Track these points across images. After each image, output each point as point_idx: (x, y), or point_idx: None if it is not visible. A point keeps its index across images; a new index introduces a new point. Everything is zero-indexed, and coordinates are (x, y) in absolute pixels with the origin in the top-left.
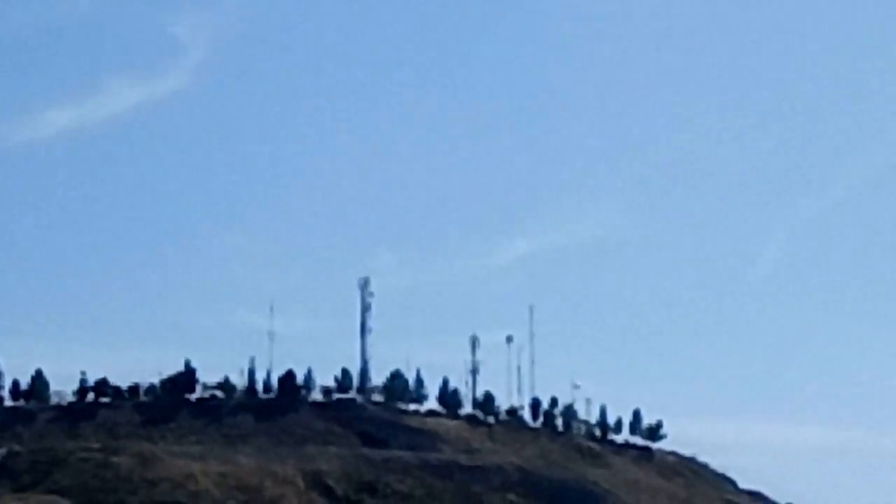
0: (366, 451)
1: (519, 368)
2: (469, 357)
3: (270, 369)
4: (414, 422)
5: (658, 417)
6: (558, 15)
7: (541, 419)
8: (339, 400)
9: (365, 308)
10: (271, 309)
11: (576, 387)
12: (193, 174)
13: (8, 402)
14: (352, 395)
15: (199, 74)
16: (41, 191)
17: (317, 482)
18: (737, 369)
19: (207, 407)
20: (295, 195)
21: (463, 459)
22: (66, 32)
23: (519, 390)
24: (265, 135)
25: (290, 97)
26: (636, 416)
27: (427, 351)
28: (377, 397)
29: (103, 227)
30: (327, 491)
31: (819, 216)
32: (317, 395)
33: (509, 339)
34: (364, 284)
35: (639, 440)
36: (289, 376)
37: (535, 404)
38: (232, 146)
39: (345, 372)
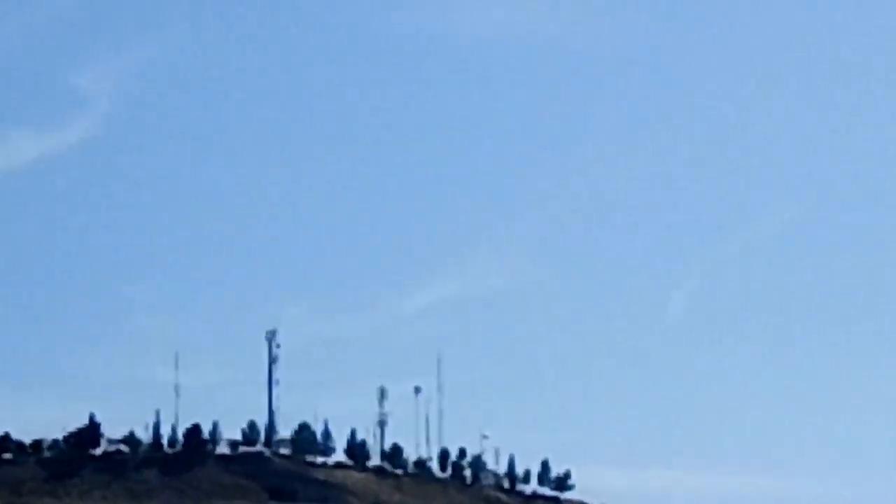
0: None
1: (427, 419)
2: (377, 408)
3: (176, 423)
4: (322, 474)
5: (566, 467)
6: (465, 66)
7: (449, 470)
8: (245, 453)
9: (272, 360)
10: (177, 361)
11: (484, 437)
12: (96, 226)
13: None
14: (259, 447)
15: (102, 126)
16: None
17: None
18: (644, 418)
19: (112, 462)
20: (199, 245)
21: None
22: None
23: (427, 441)
24: (168, 186)
25: (194, 148)
26: (545, 466)
27: (334, 402)
28: (284, 450)
29: (4, 278)
30: None
31: (728, 263)
32: (223, 449)
33: (417, 390)
34: (271, 336)
35: (547, 490)
36: (195, 430)
37: (444, 455)
38: (135, 198)
39: (251, 424)
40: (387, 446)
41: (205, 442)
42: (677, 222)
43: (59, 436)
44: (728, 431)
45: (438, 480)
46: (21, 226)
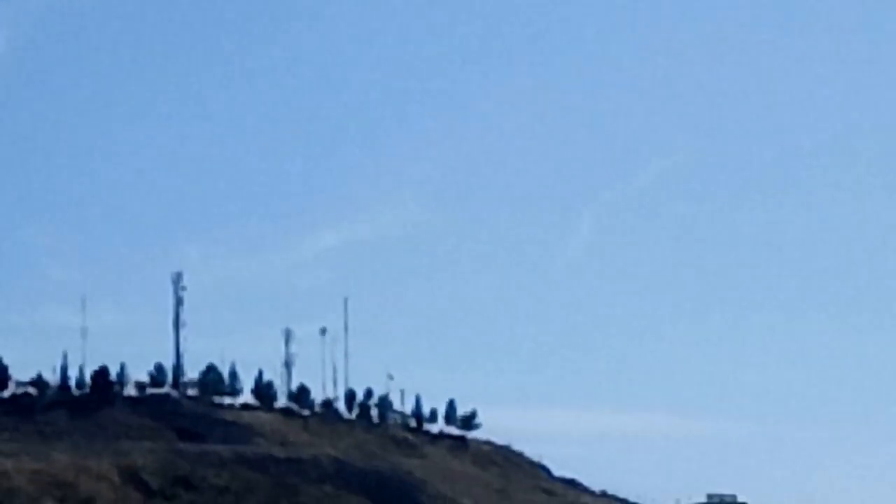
0: (181, 445)
1: (333, 360)
2: (283, 350)
3: (83, 365)
4: (229, 415)
5: (472, 407)
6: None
7: (356, 411)
8: (153, 395)
9: (178, 302)
10: (83, 304)
11: (390, 378)
12: None
13: None
14: (166, 389)
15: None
16: None
17: (132, 477)
18: (549, 357)
19: (20, 404)
20: (101, 189)
21: (278, 452)
22: None
23: (334, 382)
24: (66, 129)
25: (94, 92)
26: (451, 405)
27: (241, 344)
28: (192, 391)
29: None
30: (143, 486)
31: (626, 201)
32: (131, 391)
33: (323, 332)
34: (177, 279)
35: (454, 430)
36: (102, 372)
37: (350, 396)
38: (32, 140)
39: (159, 367)
40: (294, 387)
41: (112, 384)
42: (574, 162)
43: None
44: (629, 370)
45: (345, 421)
46: None
